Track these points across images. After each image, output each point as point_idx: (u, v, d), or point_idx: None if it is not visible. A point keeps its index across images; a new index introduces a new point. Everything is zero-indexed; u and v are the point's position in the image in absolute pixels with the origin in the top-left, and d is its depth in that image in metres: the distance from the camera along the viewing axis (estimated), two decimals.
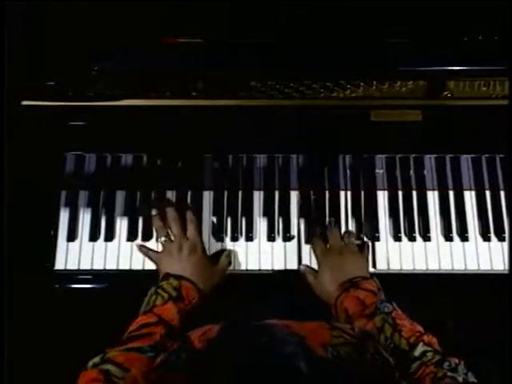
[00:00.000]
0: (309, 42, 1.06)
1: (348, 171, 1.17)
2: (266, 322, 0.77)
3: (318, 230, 1.13)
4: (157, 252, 1.11)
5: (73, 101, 1.08)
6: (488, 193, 1.16)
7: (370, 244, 1.13)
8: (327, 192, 1.16)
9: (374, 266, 1.12)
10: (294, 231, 1.14)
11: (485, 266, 1.12)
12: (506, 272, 1.11)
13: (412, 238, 1.13)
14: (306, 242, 1.13)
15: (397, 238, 1.13)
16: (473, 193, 1.16)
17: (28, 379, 1.15)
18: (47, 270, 1.11)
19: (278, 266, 1.12)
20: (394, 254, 1.13)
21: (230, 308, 1.11)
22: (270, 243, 1.13)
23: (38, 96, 1.07)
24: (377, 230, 1.14)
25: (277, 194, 1.16)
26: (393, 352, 0.87)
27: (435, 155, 1.17)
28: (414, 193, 1.16)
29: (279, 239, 1.14)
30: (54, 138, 1.13)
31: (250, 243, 1.13)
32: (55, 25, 1.06)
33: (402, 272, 1.12)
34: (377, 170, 1.17)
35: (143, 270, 1.12)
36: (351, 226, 1.14)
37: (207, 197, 1.16)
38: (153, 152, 1.17)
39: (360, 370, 0.66)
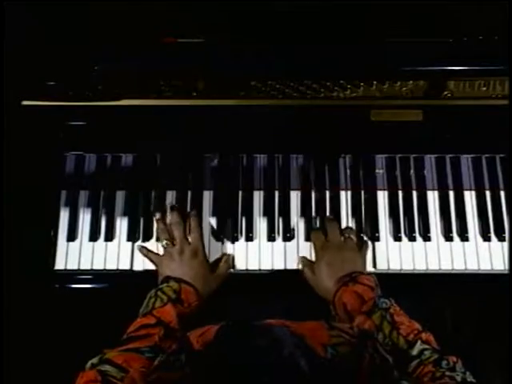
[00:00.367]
0: (309, 41, 1.06)
1: (348, 171, 1.17)
2: (265, 322, 0.77)
3: (318, 226, 1.13)
4: (158, 254, 1.10)
5: (73, 101, 1.08)
6: (488, 193, 1.16)
7: (370, 244, 1.13)
8: (327, 192, 1.16)
9: (374, 265, 1.12)
10: (293, 231, 1.14)
11: (485, 266, 1.11)
12: (506, 272, 1.11)
13: (412, 238, 1.13)
14: (306, 241, 1.13)
15: (397, 238, 1.13)
16: (473, 193, 1.16)
17: (28, 379, 1.16)
18: (47, 269, 1.11)
19: (278, 265, 1.12)
20: (393, 254, 1.13)
21: (230, 308, 1.11)
22: (270, 243, 1.13)
23: (38, 96, 1.07)
24: (377, 230, 1.14)
25: (277, 193, 1.16)
26: (391, 351, 0.87)
27: (435, 155, 1.17)
28: (414, 193, 1.16)
29: (279, 239, 1.14)
30: (54, 138, 1.13)
31: (249, 243, 1.13)
32: (55, 25, 1.06)
33: (402, 272, 1.12)
34: (377, 170, 1.17)
35: (143, 270, 1.12)
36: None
37: (207, 197, 1.16)
38: (153, 152, 1.17)
39: (359, 369, 0.66)
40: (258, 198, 1.16)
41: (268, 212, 1.15)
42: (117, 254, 1.12)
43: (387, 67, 1.07)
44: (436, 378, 0.81)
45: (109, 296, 1.14)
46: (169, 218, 1.12)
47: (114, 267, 1.12)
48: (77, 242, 1.13)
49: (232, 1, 1.08)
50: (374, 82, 1.08)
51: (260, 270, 1.12)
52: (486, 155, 1.17)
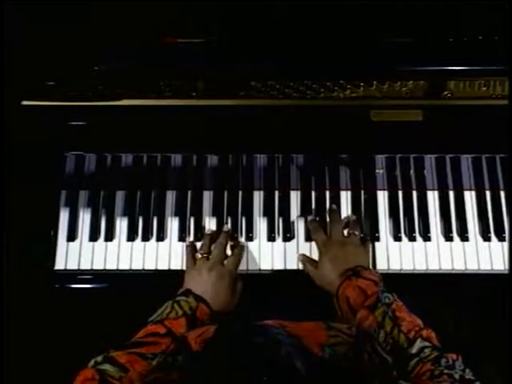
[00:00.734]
0: (309, 41, 1.06)
1: (348, 171, 1.17)
2: (262, 322, 0.77)
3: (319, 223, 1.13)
4: (193, 261, 1.09)
5: (73, 101, 1.08)
6: (488, 193, 1.16)
7: (370, 243, 1.13)
8: (327, 192, 1.16)
9: (374, 265, 1.12)
10: (293, 231, 1.14)
11: (485, 266, 1.11)
12: (506, 272, 1.11)
13: (412, 238, 1.13)
14: (306, 241, 1.13)
15: (397, 238, 1.13)
16: (473, 193, 1.16)
17: (28, 379, 1.16)
18: (47, 269, 1.11)
19: (278, 265, 1.12)
20: (394, 254, 1.13)
21: None
22: (270, 243, 1.13)
23: (38, 96, 1.07)
24: (377, 230, 1.14)
25: (277, 193, 1.16)
26: (391, 349, 0.87)
27: (435, 155, 1.17)
28: (414, 193, 1.16)
29: (279, 239, 1.14)
30: (53, 138, 1.13)
31: (250, 243, 1.13)
32: (55, 25, 1.06)
33: (402, 272, 1.12)
34: (377, 170, 1.17)
35: (143, 270, 1.12)
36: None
37: (207, 197, 1.16)
38: (153, 152, 1.17)
39: (357, 369, 0.66)
40: (257, 197, 1.16)
41: (268, 212, 1.15)
42: (117, 254, 1.12)
43: (387, 67, 1.07)
44: (434, 376, 0.81)
45: (109, 296, 1.14)
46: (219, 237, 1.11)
47: (113, 267, 1.12)
48: (77, 242, 1.13)
49: (232, 1, 1.08)
50: (374, 82, 1.08)
51: (260, 270, 1.12)
52: (486, 155, 1.17)
